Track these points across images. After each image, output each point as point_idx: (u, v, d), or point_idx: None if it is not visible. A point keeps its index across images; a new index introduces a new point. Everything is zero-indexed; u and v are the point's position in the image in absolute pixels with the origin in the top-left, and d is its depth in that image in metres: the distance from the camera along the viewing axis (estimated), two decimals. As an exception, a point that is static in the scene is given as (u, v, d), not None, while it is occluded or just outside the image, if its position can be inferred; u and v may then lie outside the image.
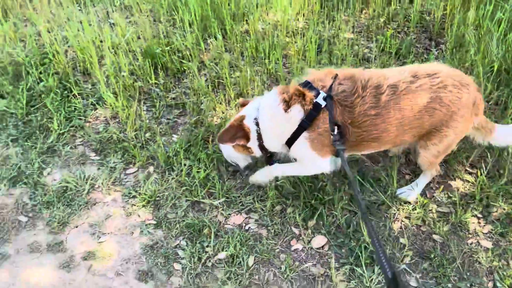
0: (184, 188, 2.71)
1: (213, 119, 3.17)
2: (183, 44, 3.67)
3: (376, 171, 2.82)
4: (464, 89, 2.25)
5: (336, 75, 2.31)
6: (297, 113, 2.29)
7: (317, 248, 2.45)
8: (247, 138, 2.47)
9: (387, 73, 2.28)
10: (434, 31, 4.03)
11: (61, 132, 3.04)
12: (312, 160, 2.43)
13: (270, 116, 2.39)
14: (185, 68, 3.62)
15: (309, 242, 2.47)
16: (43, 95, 3.23)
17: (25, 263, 2.36)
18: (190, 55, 3.62)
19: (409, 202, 2.64)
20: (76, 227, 2.53)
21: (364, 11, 4.37)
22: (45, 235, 2.49)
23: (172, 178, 2.77)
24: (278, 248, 2.45)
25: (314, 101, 2.25)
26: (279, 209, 2.63)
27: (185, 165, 2.80)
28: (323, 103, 2.24)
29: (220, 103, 3.25)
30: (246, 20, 4.05)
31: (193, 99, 3.29)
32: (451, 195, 2.69)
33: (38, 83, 3.30)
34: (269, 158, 2.66)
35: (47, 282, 2.27)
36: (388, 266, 1.49)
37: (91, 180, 2.76)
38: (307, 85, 2.31)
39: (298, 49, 3.64)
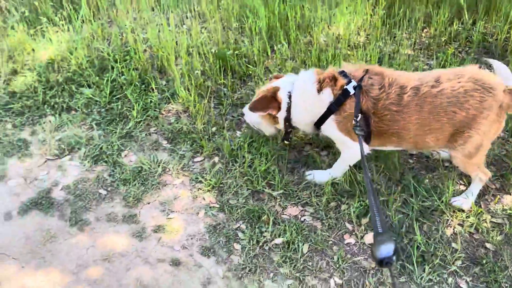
0: (245, 178, 2.92)
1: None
2: (250, 50, 3.93)
3: (430, 179, 2.91)
4: (487, 93, 2.33)
5: (368, 69, 2.52)
6: (327, 96, 2.55)
7: (370, 244, 2.56)
8: (278, 108, 2.72)
9: (414, 76, 2.47)
10: (496, 52, 4.07)
11: (138, 120, 3.36)
12: (344, 144, 2.66)
13: (303, 91, 2.66)
14: (250, 72, 3.87)
15: (361, 237, 2.59)
16: (124, 87, 3.58)
17: (103, 229, 2.64)
18: (256, 60, 3.87)
19: (463, 210, 2.70)
20: (149, 203, 2.79)
21: (425, 30, 4.47)
22: (121, 207, 2.77)
23: (235, 169, 2.99)
24: (331, 240, 2.59)
25: (344, 87, 2.47)
26: (334, 205, 2.77)
27: (247, 157, 3.01)
28: (352, 91, 2.46)
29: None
30: (310, 32, 4.27)
31: (257, 100, 3.52)
32: (506, 207, 2.72)
33: (120, 76, 3.66)
34: (288, 134, 2.89)
35: (121, 247, 2.53)
36: (380, 224, 1.68)
37: (163, 164, 3.03)
38: (342, 73, 2.55)
39: (359, 61, 3.79)
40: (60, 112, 3.43)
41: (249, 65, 3.88)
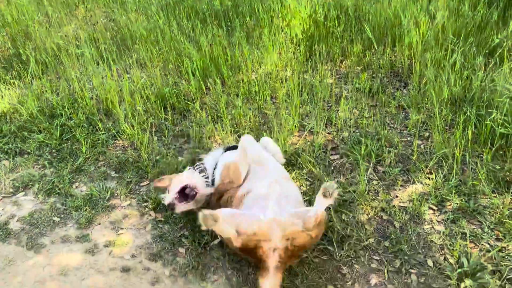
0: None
1: (213, 144, 3.80)
2: (188, 89, 4.42)
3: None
4: None
5: None
6: None
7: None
8: None
9: None
10: (403, 74, 4.75)
11: (87, 156, 3.69)
12: None
13: None
14: (190, 107, 4.33)
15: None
16: (73, 130, 3.93)
17: (58, 250, 2.89)
18: (194, 98, 4.34)
19: (375, 199, 3.16)
20: (99, 224, 3.08)
21: (343, 62, 5.14)
22: (74, 230, 3.04)
23: (178, 188, 3.34)
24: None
25: None
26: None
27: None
28: None
29: (219, 133, 3.91)
30: (241, 71, 4.83)
31: (196, 129, 3.96)
32: (410, 193, 3.20)
33: (69, 121, 4.02)
34: None
35: (75, 262, 2.78)
36: None
37: (111, 190, 3.35)
38: None
39: (285, 91, 4.34)
40: (14, 156, 3.72)
41: (188, 102, 4.34)
